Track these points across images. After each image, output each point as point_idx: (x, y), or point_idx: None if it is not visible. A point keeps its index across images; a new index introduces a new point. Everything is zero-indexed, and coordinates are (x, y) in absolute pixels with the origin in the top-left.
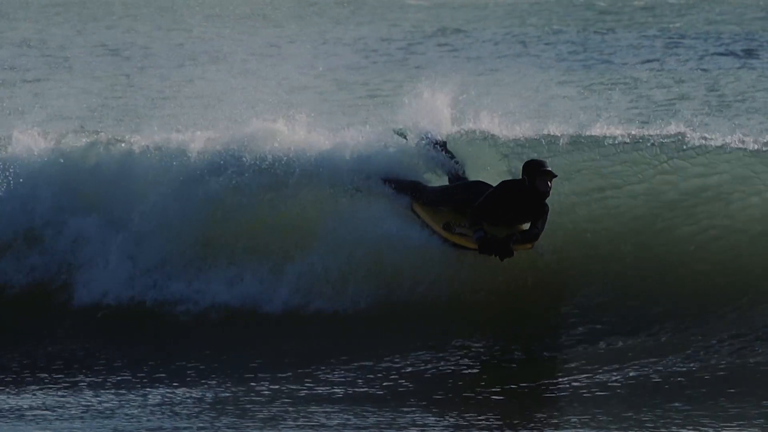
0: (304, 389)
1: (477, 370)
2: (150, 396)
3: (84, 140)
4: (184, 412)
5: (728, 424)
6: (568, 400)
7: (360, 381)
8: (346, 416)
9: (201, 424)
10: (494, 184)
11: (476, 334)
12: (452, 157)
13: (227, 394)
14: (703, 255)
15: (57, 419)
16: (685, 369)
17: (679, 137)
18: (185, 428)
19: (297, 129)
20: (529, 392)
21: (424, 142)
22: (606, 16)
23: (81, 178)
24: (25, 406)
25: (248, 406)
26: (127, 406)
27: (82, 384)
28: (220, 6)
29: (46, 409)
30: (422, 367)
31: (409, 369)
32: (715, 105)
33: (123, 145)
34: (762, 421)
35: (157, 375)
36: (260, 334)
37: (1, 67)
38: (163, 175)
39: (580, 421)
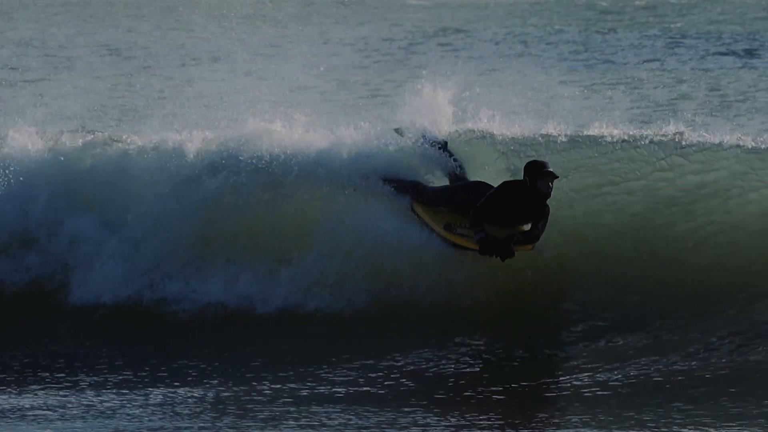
0: (305, 389)
1: (478, 370)
2: (151, 396)
3: (83, 140)
4: (186, 412)
5: (729, 424)
6: (569, 399)
7: (361, 380)
8: (347, 416)
9: (202, 424)
10: (494, 184)
11: (477, 333)
12: (453, 157)
13: (228, 394)
14: (702, 251)
15: (58, 419)
16: (685, 368)
17: (679, 135)
18: (186, 428)
19: (295, 128)
20: (530, 391)
21: (422, 141)
22: (607, 16)
23: (80, 178)
24: (26, 406)
25: (249, 405)
26: (129, 405)
27: (83, 384)
28: (220, 6)
29: (48, 409)
30: (423, 367)
31: (410, 368)
32: (716, 105)
33: (121, 144)
34: (762, 420)
35: (159, 375)
36: (261, 334)
37: (2, 66)
38: (161, 174)
39: (581, 421)
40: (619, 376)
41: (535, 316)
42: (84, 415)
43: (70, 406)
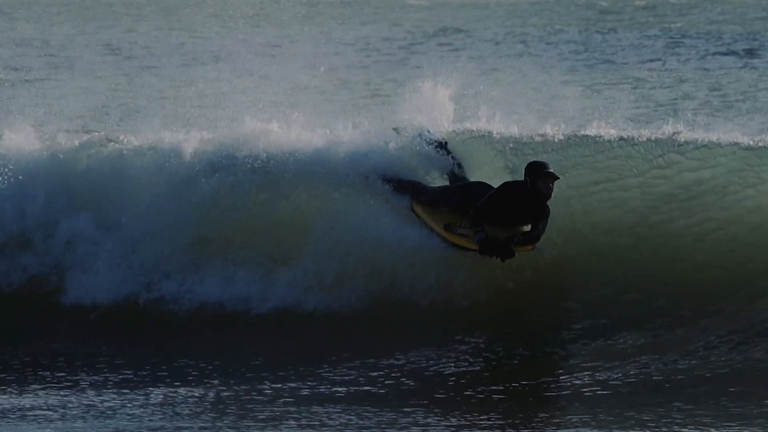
0: (305, 389)
1: (478, 369)
2: (151, 396)
3: (80, 140)
4: (186, 411)
5: (729, 424)
6: (569, 398)
7: (361, 380)
8: (347, 416)
9: (202, 424)
10: (494, 184)
11: (476, 332)
12: (453, 157)
13: (229, 394)
14: (701, 248)
15: (59, 419)
16: (685, 366)
17: (676, 133)
18: (186, 428)
19: (294, 128)
20: (530, 390)
21: (420, 139)
22: (607, 16)
23: (78, 178)
24: (26, 406)
25: (249, 405)
26: (129, 405)
27: (84, 383)
28: (221, 6)
29: (48, 409)
30: (423, 366)
31: (410, 368)
32: (717, 105)
33: (118, 144)
34: (763, 420)
35: (159, 374)
36: (261, 334)
37: (2, 67)
38: (159, 174)
39: (581, 420)
40: (619, 374)
41: (534, 315)
42: (84, 414)
43: (70, 405)
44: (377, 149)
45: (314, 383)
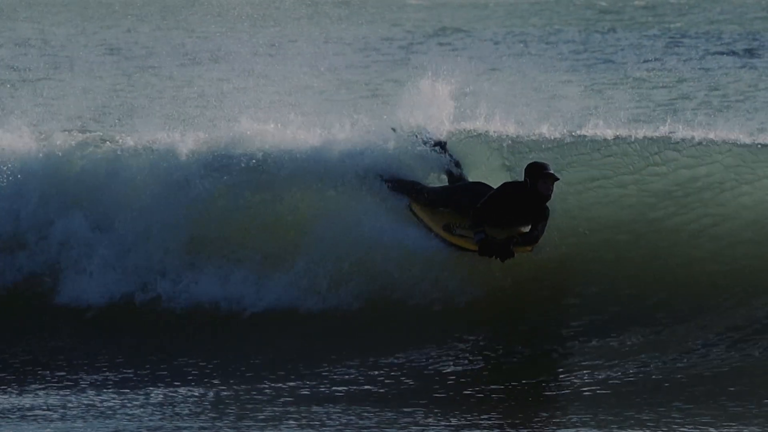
0: (305, 389)
1: (477, 368)
2: (151, 395)
3: (75, 140)
4: (186, 411)
5: (729, 423)
6: (568, 397)
7: (361, 380)
8: (347, 416)
9: (202, 424)
10: (493, 185)
11: (476, 331)
12: (451, 156)
13: (228, 394)
14: (698, 244)
15: (59, 419)
16: (684, 365)
17: (672, 130)
18: (186, 428)
19: (292, 128)
20: (530, 390)
21: (419, 139)
22: (607, 16)
23: (73, 178)
24: (26, 406)
25: (249, 405)
26: (129, 405)
27: (83, 383)
28: (221, 6)
29: (48, 409)
30: (423, 366)
31: (410, 367)
32: (716, 105)
33: (113, 144)
34: (762, 420)
35: (158, 374)
36: (261, 334)
37: (2, 66)
38: (155, 174)
39: (580, 420)
40: (619, 373)
41: (534, 314)
42: (84, 414)
43: (70, 405)
44: (375, 149)
45: (314, 383)
